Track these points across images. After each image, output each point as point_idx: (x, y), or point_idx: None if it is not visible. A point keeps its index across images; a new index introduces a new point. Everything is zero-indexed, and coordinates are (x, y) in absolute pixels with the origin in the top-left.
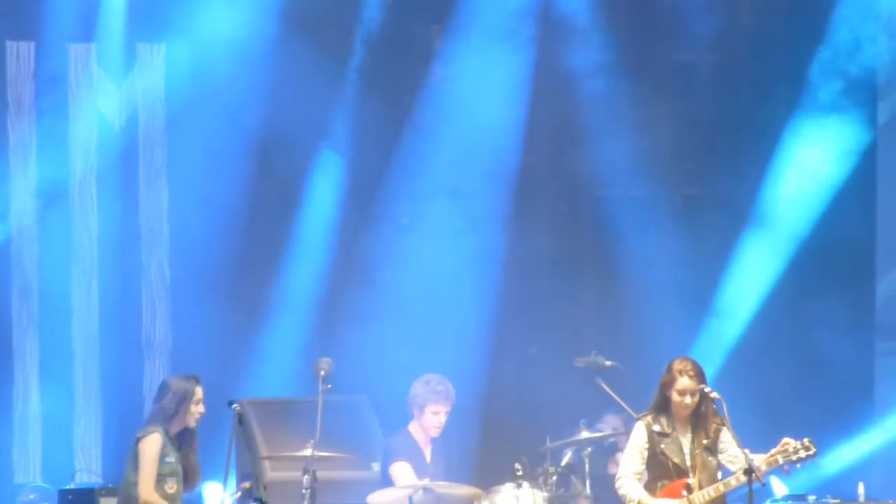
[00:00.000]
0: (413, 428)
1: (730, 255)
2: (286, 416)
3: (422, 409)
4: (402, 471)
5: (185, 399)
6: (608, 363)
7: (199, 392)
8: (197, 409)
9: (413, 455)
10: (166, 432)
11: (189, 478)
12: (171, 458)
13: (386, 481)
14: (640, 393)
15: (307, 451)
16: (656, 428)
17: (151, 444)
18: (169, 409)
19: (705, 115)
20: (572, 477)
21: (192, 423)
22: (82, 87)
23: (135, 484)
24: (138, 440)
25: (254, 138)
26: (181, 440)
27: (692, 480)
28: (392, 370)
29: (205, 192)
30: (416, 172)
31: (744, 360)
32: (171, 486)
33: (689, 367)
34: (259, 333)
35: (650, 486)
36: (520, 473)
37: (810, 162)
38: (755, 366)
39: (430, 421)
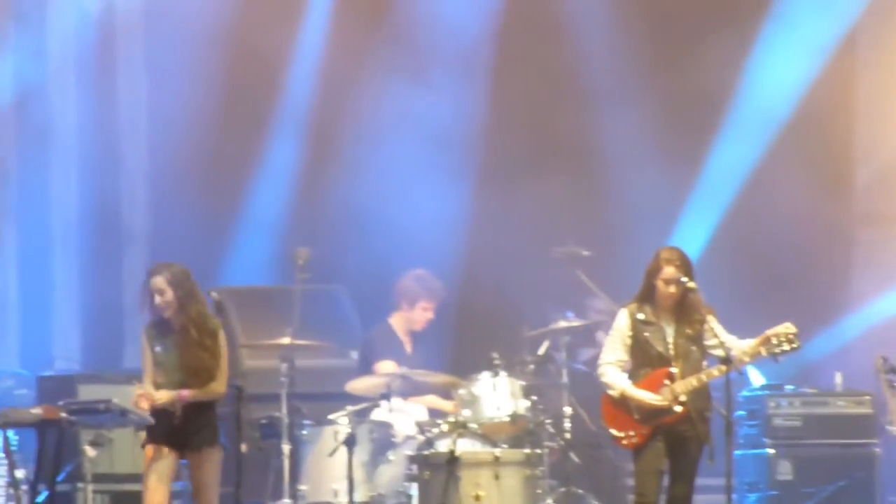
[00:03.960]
0: (395, 320)
1: (708, 143)
2: (264, 305)
3: (412, 303)
4: (387, 369)
5: (143, 293)
6: (585, 253)
7: (153, 283)
8: (160, 300)
9: (394, 348)
10: (150, 325)
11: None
12: (158, 348)
13: (366, 373)
14: (619, 283)
15: (285, 340)
16: (640, 316)
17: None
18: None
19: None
20: (549, 366)
21: (162, 313)
22: None
23: None
24: None
25: (233, 25)
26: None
27: (675, 369)
28: (370, 260)
29: (183, 79)
30: (389, 63)
31: (722, 249)
32: (159, 377)
33: (675, 256)
34: (238, 221)
35: (632, 375)
36: (497, 362)
37: (790, 48)
38: (734, 255)
39: (419, 316)
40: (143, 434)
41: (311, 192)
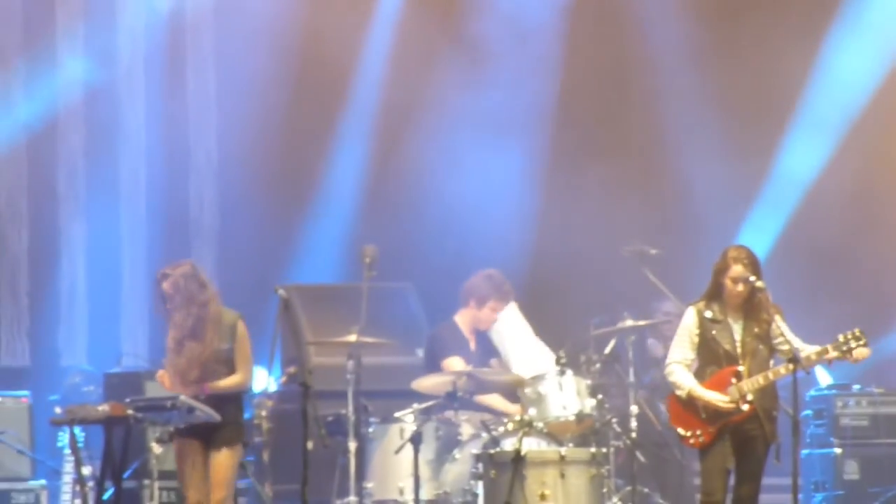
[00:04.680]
0: (460, 318)
1: (777, 141)
2: (331, 302)
3: (482, 303)
4: (456, 365)
5: (155, 297)
6: (653, 251)
7: (163, 289)
8: (169, 305)
9: (460, 346)
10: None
11: None
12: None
13: (433, 370)
14: (686, 281)
15: (352, 337)
16: (708, 314)
17: None
18: None
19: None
20: (616, 365)
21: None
22: None
23: None
24: None
25: (302, 24)
26: None
27: (742, 368)
28: (438, 258)
29: (252, 78)
30: (457, 60)
31: (790, 248)
32: None
33: (743, 254)
34: (306, 219)
35: (699, 373)
36: (563, 361)
37: (859, 46)
38: (801, 253)
39: (487, 316)
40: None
41: (378, 189)
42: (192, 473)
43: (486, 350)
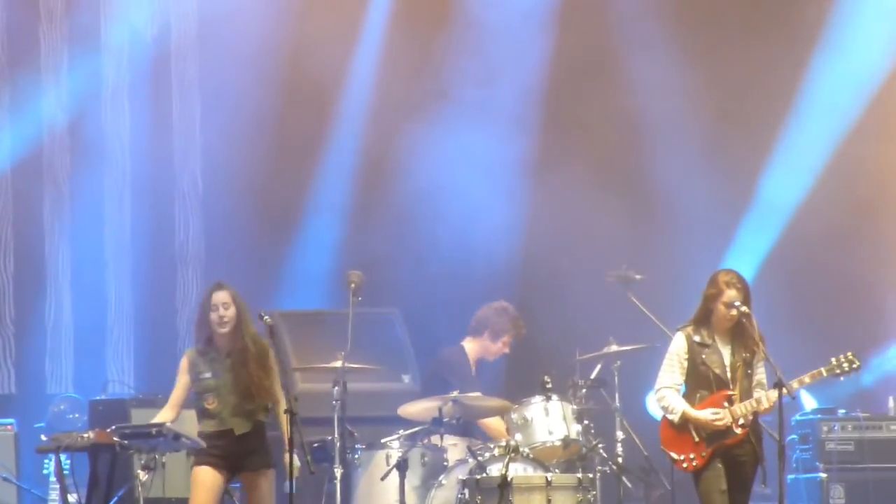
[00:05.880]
0: (469, 345)
1: (761, 167)
2: (317, 328)
3: (497, 336)
4: None
5: (202, 309)
6: (638, 277)
7: (218, 298)
8: (215, 315)
9: (466, 372)
10: (198, 352)
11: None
12: (207, 374)
13: (437, 391)
14: (671, 306)
15: (337, 363)
16: (696, 338)
17: (180, 363)
18: (196, 324)
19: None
20: (602, 390)
21: (218, 331)
22: None
23: None
24: None
25: (286, 49)
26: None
27: (733, 392)
28: (423, 283)
29: (237, 103)
30: (445, 80)
31: (775, 273)
32: (211, 402)
33: (734, 279)
34: (291, 245)
35: (688, 397)
36: (549, 386)
37: (842, 74)
38: (786, 278)
39: (498, 349)
40: (192, 457)
41: (364, 214)
42: (204, 499)
43: (483, 377)
